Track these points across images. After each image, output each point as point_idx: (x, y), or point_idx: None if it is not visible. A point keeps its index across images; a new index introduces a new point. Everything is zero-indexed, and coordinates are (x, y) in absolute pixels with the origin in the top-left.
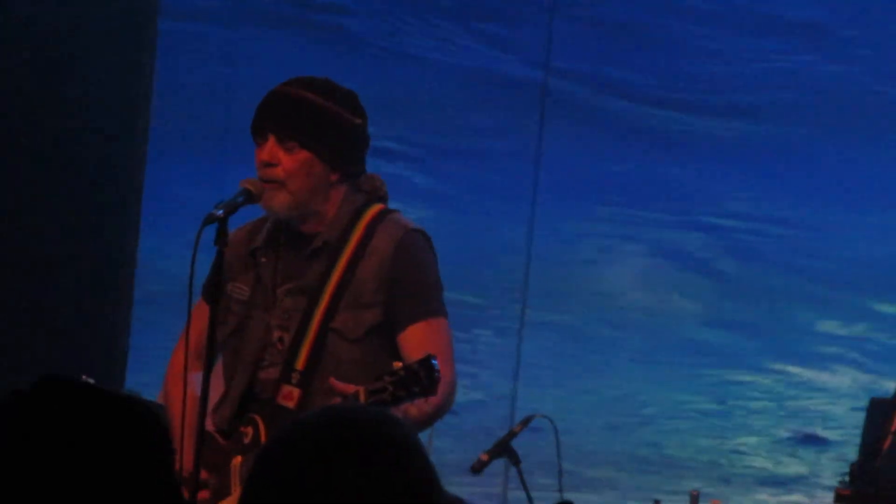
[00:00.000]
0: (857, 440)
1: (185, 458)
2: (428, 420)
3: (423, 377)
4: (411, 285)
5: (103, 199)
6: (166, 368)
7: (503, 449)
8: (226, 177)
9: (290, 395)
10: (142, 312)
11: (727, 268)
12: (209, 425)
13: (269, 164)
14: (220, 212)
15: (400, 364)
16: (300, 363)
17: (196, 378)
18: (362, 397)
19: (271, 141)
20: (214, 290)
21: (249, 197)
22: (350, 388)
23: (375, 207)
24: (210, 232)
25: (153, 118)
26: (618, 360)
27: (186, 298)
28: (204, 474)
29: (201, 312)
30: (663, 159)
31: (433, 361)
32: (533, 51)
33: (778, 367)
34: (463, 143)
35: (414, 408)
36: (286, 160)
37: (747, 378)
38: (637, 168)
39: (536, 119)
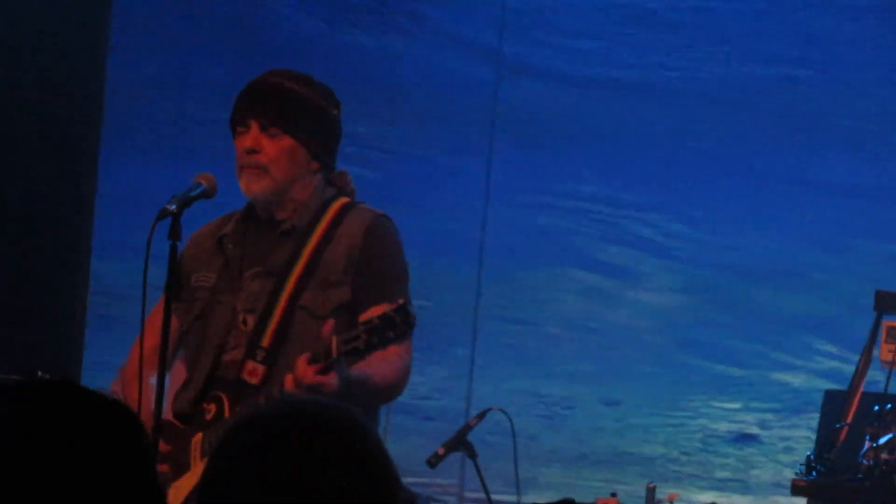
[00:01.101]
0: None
1: None
2: (384, 393)
3: (398, 321)
4: (378, 268)
5: (57, 193)
6: (124, 364)
7: (459, 442)
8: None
9: (254, 372)
10: (98, 307)
11: (701, 261)
12: (167, 414)
13: (252, 151)
14: (174, 206)
15: (374, 314)
16: (265, 341)
17: (154, 376)
18: (335, 346)
19: (254, 128)
20: (169, 286)
21: (204, 191)
22: (324, 339)
23: (343, 199)
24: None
25: (106, 111)
26: (567, 357)
27: (141, 292)
28: (161, 448)
29: (160, 308)
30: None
31: (409, 308)
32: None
33: (732, 362)
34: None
35: (378, 376)
36: (269, 146)
37: (701, 372)
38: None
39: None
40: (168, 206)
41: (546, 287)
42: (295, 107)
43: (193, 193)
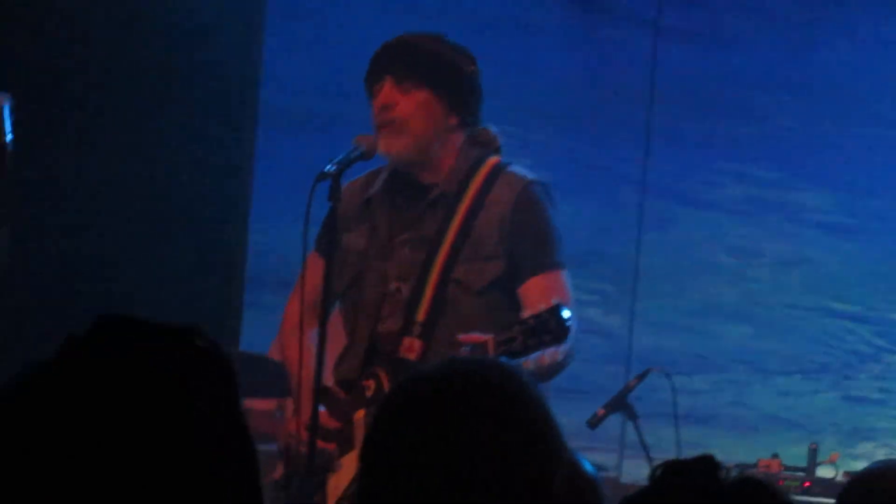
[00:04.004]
0: None
1: (304, 412)
2: (557, 368)
3: (553, 326)
4: (533, 237)
5: (215, 165)
6: (281, 323)
7: (619, 404)
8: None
9: (411, 347)
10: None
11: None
12: (329, 379)
13: (386, 107)
14: (333, 168)
15: (529, 314)
16: (421, 314)
17: (312, 333)
18: (491, 347)
19: (388, 83)
20: (328, 246)
21: (363, 153)
22: (479, 339)
23: (493, 159)
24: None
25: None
26: (730, 317)
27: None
28: (330, 425)
29: (315, 266)
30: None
31: (562, 310)
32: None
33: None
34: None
35: (547, 357)
36: (404, 101)
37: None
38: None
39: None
40: (328, 169)
41: (706, 253)
42: (427, 59)
43: (354, 155)
